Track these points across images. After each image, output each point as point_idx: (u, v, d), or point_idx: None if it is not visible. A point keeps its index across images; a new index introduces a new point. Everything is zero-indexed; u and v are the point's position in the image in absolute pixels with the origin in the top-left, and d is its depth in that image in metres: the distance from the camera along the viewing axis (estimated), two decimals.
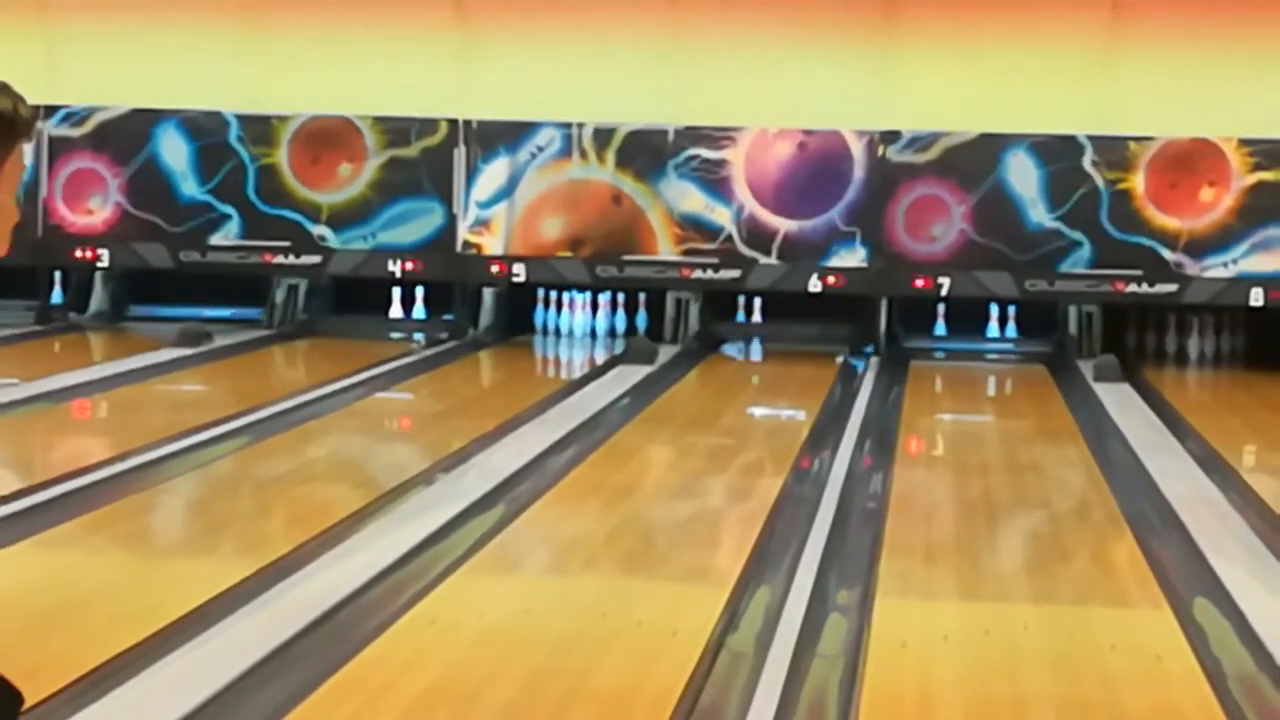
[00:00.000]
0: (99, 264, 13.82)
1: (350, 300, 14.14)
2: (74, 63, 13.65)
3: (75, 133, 13.70)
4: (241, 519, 7.66)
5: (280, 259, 13.77)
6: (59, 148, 13.68)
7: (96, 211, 13.79)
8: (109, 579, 6.44)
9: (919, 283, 13.38)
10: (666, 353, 12.97)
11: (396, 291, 14.11)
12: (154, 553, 7.12)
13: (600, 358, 13.06)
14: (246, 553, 6.78)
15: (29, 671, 5.01)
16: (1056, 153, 13.25)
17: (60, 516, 7.13)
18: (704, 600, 6.19)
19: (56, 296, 14.12)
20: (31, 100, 2.57)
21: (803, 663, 5.44)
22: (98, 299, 14.05)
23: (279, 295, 13.95)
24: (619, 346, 13.36)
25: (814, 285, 13.38)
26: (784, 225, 13.44)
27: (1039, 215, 13.29)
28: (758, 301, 13.93)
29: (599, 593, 6.48)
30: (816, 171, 13.45)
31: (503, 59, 13.58)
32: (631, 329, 13.83)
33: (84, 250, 13.76)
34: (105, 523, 7.34)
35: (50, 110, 13.50)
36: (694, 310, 13.64)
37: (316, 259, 13.76)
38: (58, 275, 14.14)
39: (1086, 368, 12.62)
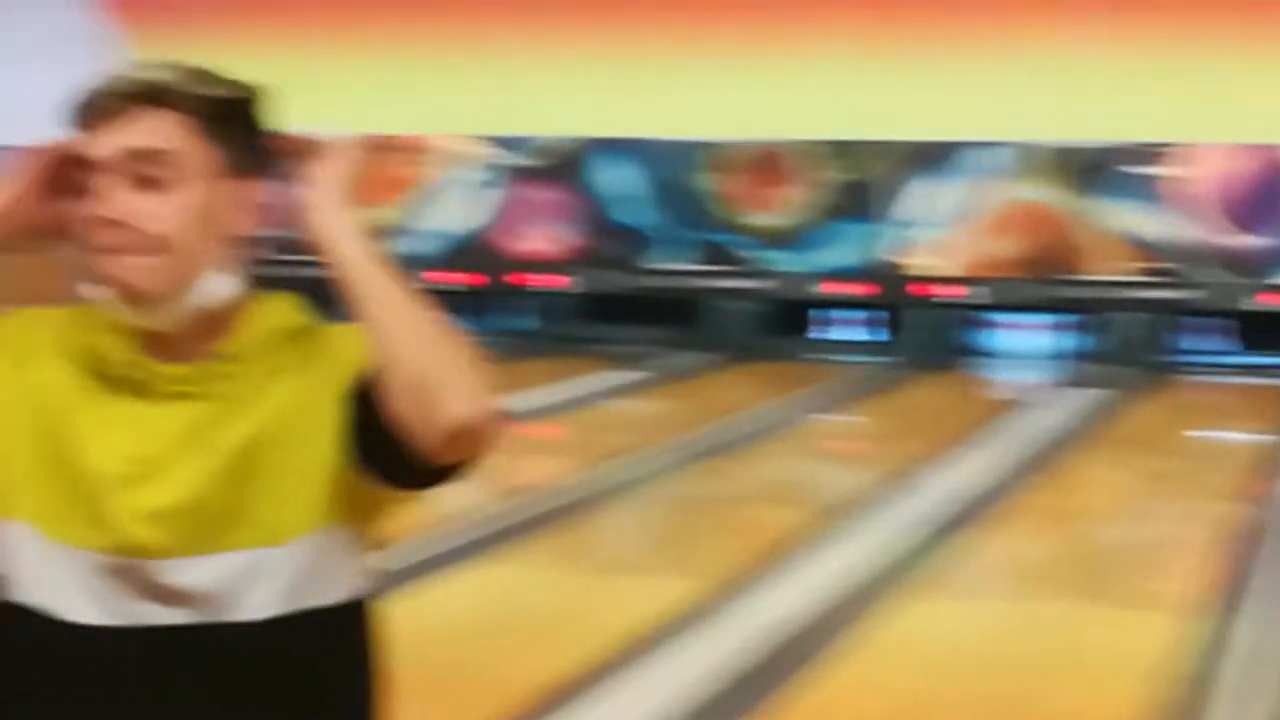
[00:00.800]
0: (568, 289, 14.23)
1: (783, 321, 14.15)
2: (521, 97, 14.12)
3: (532, 162, 14.18)
4: (690, 539, 7.78)
5: (720, 283, 13.99)
6: (516, 176, 14.19)
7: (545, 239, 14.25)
8: (563, 596, 6.63)
9: None
10: (1116, 374, 12.68)
11: (831, 314, 14.12)
12: (597, 569, 7.31)
13: (1047, 380, 12.84)
14: (693, 574, 6.89)
15: (497, 686, 5.21)
16: None
17: (519, 535, 7.37)
18: (1157, 628, 6.05)
19: None
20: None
21: (1256, 695, 5.28)
22: None
23: (717, 318, 14.08)
24: (1066, 369, 13.12)
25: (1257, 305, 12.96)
26: (1235, 243, 13.03)
27: None
28: (1222, 322, 13.44)
29: (1047, 618, 6.38)
30: (1271, 189, 13.02)
31: (925, 79, 13.51)
32: (1079, 350, 13.56)
33: (546, 275, 14.20)
34: (567, 541, 7.57)
35: (510, 142, 14.04)
36: (1143, 330, 13.30)
37: (755, 284, 13.92)
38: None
39: None
